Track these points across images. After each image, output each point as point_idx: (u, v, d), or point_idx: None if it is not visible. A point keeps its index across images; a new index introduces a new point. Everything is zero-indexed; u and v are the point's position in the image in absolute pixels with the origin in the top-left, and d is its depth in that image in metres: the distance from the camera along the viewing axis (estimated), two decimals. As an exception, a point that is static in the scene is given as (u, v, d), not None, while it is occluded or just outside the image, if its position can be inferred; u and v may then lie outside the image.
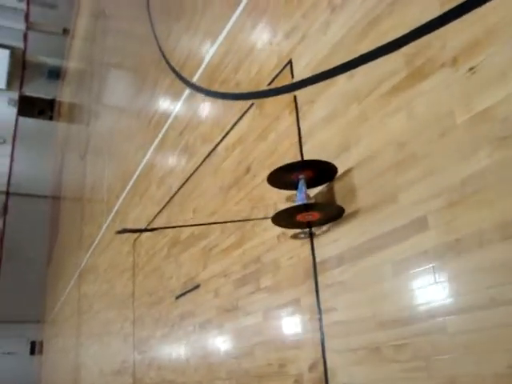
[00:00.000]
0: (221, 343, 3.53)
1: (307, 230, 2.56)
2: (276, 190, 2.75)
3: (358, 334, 2.21)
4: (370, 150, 2.27)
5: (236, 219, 3.41)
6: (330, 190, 2.51)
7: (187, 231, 4.28)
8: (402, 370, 1.95)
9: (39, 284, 23.53)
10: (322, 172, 2.47)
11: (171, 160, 5.06)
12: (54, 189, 23.42)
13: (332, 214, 2.39)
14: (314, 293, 2.50)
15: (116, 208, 7.52)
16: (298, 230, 2.60)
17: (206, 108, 4.30)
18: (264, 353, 2.94)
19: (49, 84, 27.09)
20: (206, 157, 4.07)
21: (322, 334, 2.42)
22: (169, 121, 5.30)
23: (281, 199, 2.87)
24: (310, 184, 2.51)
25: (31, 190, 25.24)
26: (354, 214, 2.32)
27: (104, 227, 8.48)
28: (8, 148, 25.57)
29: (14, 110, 26.29)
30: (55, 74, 26.91)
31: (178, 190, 4.66)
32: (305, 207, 2.33)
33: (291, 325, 2.71)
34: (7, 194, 24.99)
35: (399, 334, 1.98)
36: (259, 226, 3.12)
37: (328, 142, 2.57)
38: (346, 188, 2.39)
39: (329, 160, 2.46)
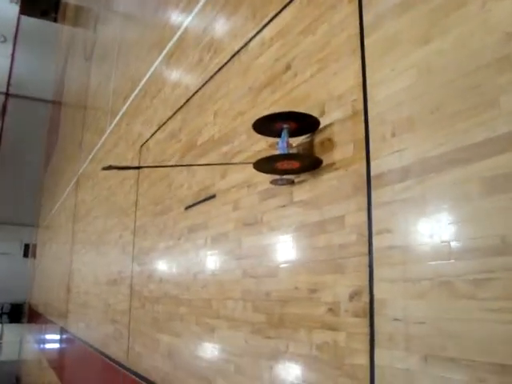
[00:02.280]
0: (237, 259, 3.17)
1: (286, 176, 2.62)
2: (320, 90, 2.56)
3: (420, 262, 1.84)
4: (461, 42, 1.81)
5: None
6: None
7: (206, 135, 3.84)
8: (482, 309, 1.59)
9: (35, 189, 23.42)
10: (304, 123, 2.50)
11: (191, 59, 4.52)
12: (55, 92, 22.70)
13: (310, 163, 2.46)
14: (365, 211, 2.12)
15: (123, 111, 7.00)
16: (277, 177, 2.64)
17: (237, 2, 3.74)
18: (291, 274, 2.58)
19: (54, -17, 25.76)
20: (235, 54, 3.55)
21: (371, 258, 2.05)
22: (189, 18, 4.72)
23: (331, 100, 2.44)
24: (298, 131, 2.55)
25: (31, 93, 24.52)
26: (426, 120, 1.90)
27: (107, 132, 7.98)
28: (9, 47, 24.65)
29: (17, 8, 25.10)
30: (61, -28, 25.50)
31: (198, 90, 4.16)
32: (284, 156, 2.42)
33: (330, 245, 2.32)
34: (6, 95, 24.32)
35: (483, 265, 1.60)
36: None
37: (401, 33, 2.10)
38: (420, 88, 1.96)
39: (402, 53, 2.05)
